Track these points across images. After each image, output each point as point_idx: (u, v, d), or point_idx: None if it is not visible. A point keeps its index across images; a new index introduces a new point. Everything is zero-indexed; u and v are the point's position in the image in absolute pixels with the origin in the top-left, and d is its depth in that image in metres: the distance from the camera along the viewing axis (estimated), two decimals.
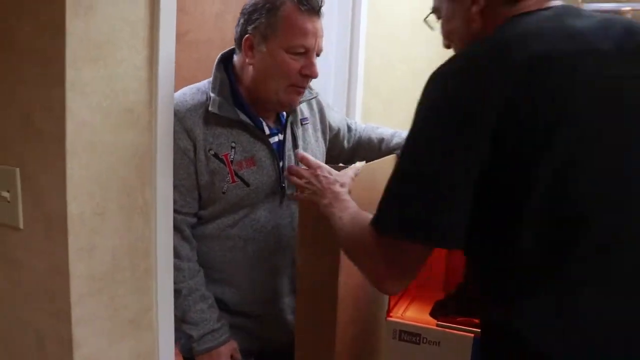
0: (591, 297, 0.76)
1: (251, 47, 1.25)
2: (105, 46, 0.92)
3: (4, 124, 0.95)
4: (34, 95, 0.91)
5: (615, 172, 0.77)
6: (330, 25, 2.03)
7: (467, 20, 0.90)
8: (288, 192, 1.34)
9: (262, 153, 1.30)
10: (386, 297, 1.35)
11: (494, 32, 0.84)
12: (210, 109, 1.24)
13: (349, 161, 1.60)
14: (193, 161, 1.25)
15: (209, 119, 1.26)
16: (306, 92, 1.36)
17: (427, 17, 1.01)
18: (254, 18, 1.24)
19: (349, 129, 1.59)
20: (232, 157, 1.27)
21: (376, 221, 0.85)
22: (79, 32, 0.87)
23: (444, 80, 0.80)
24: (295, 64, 1.24)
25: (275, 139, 1.34)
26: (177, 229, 1.23)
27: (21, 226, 0.97)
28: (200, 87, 1.32)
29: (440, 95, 0.80)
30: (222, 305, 1.35)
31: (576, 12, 0.85)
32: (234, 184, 1.27)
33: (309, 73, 1.25)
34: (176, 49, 1.05)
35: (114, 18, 0.93)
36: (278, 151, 1.34)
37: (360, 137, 1.59)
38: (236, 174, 1.27)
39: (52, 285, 0.95)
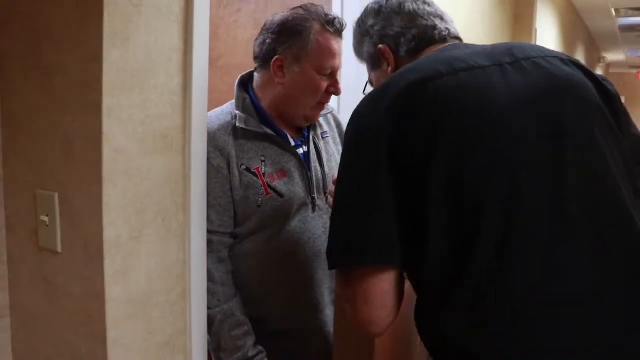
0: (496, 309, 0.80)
1: (281, 68, 1.30)
2: (141, 73, 0.94)
3: (46, 150, 0.98)
4: (74, 122, 0.93)
5: (500, 175, 0.82)
6: None
7: (385, 77, 1.05)
8: (318, 202, 1.37)
9: (291, 164, 1.33)
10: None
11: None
12: (237, 124, 1.29)
13: None
14: (228, 178, 1.27)
15: (237, 135, 1.30)
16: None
17: (364, 89, 1.18)
18: (283, 39, 1.28)
19: None
20: (263, 170, 1.30)
21: (328, 257, 0.90)
22: (116, 61, 0.90)
23: (355, 118, 0.92)
24: (324, 83, 1.31)
25: (301, 150, 1.38)
26: (213, 251, 1.24)
27: (59, 250, 0.99)
28: (224, 109, 1.36)
29: (353, 130, 0.92)
30: (261, 325, 1.33)
31: (464, 46, 1.01)
32: (268, 196, 1.29)
33: (334, 91, 1.34)
34: (209, 74, 1.07)
35: (149, 46, 0.95)
36: (306, 162, 1.37)
37: None
38: (269, 186, 1.29)
39: (88, 308, 0.96)
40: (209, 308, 1.19)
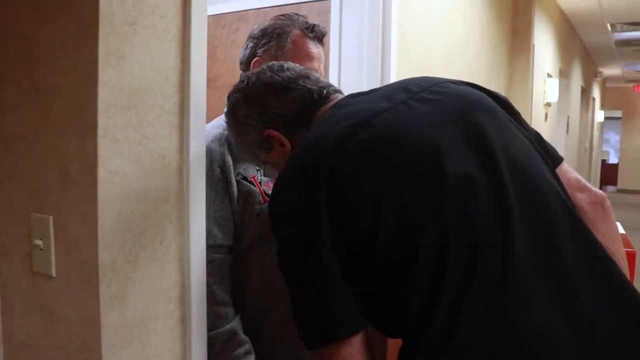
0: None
1: None
2: (137, 93, 0.93)
3: (42, 173, 0.96)
4: (69, 144, 0.91)
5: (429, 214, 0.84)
6: (359, 63, 2.03)
7: (284, 156, 1.05)
8: None
9: None
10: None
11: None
12: (229, 137, 1.29)
13: None
14: (226, 189, 1.27)
15: (231, 147, 1.30)
16: None
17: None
18: (263, 42, 1.32)
19: None
20: (259, 178, 1.30)
21: (301, 338, 0.90)
22: (111, 81, 0.88)
23: (281, 199, 0.91)
24: None
25: None
26: (216, 270, 1.22)
27: (54, 274, 0.96)
28: (214, 123, 1.36)
29: (284, 212, 0.90)
30: (266, 341, 1.31)
31: (354, 96, 1.02)
32: (265, 204, 1.28)
33: None
34: (208, 93, 1.06)
35: (146, 66, 0.94)
36: None
37: None
38: (266, 194, 1.29)
39: (83, 335, 0.93)
40: (214, 329, 1.17)
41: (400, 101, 0.93)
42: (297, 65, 1.08)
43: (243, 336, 1.27)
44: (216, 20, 2.78)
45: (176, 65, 0.99)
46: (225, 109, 1.17)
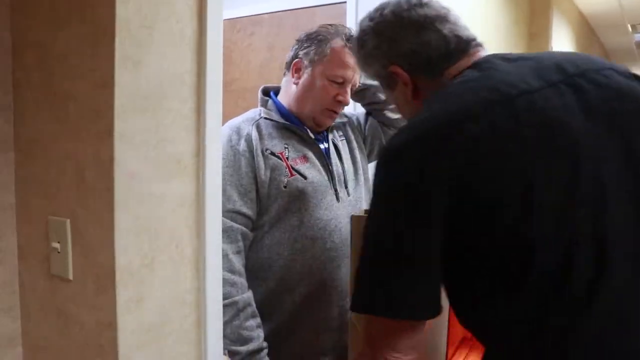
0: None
1: (298, 70, 1.43)
2: (153, 97, 0.93)
3: (59, 177, 0.97)
4: (86, 148, 0.92)
5: (565, 215, 0.76)
6: None
7: (406, 99, 1.00)
8: (341, 194, 1.43)
9: (311, 153, 1.43)
10: (444, 344, 1.28)
11: (429, 102, 0.89)
12: (262, 115, 1.42)
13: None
14: (251, 161, 1.35)
15: (261, 127, 1.41)
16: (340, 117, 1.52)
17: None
18: (305, 45, 1.42)
19: (365, 116, 1.66)
20: (287, 154, 1.39)
21: (355, 304, 0.86)
22: (128, 85, 0.88)
23: (398, 161, 0.82)
24: (333, 90, 1.40)
25: (322, 145, 1.47)
26: (232, 240, 1.29)
27: (71, 277, 0.97)
28: (248, 113, 1.48)
29: (395, 177, 0.82)
30: (281, 319, 1.37)
31: (500, 60, 0.89)
32: (292, 177, 1.37)
33: (342, 100, 1.42)
34: (223, 97, 1.06)
35: (162, 70, 0.94)
36: (327, 156, 1.45)
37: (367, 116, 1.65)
38: (293, 168, 1.37)
39: (100, 339, 0.93)
40: (229, 297, 1.24)
41: (550, 83, 0.81)
42: (439, 2, 0.99)
43: (255, 309, 1.34)
44: (231, 25, 2.80)
45: (192, 69, 1.00)
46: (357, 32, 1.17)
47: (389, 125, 1.58)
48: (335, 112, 1.45)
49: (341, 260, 1.40)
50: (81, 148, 0.93)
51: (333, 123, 1.48)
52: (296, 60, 1.43)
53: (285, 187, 1.36)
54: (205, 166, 1.03)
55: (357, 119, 1.64)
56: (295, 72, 1.43)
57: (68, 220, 0.96)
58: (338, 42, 1.39)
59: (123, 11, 0.87)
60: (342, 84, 1.40)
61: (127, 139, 0.89)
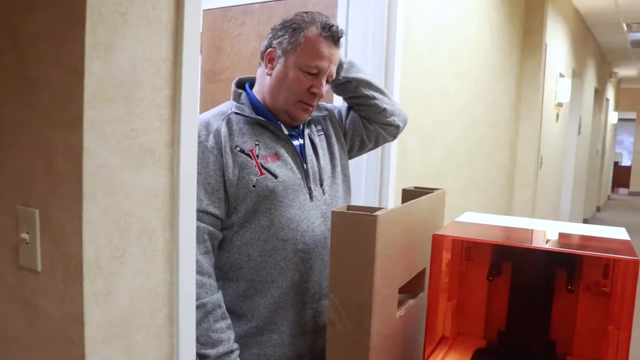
0: None
1: (272, 60, 1.37)
2: (125, 85, 0.90)
3: (29, 165, 0.94)
4: (56, 136, 0.89)
5: None
6: (364, 58, 2.00)
7: None
8: (315, 192, 1.38)
9: (283, 150, 1.36)
10: (421, 343, 1.27)
11: None
12: (233, 110, 1.35)
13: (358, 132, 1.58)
14: (218, 158, 1.29)
15: (232, 122, 1.34)
16: (316, 109, 1.46)
17: None
18: (280, 34, 1.35)
19: (346, 109, 1.60)
20: (257, 152, 1.32)
21: None
22: (98, 72, 0.86)
23: None
24: (306, 82, 1.34)
25: (296, 142, 1.41)
26: (200, 241, 1.24)
27: (39, 269, 0.94)
28: (220, 106, 1.41)
29: None
30: (253, 321, 1.33)
31: None
32: (262, 176, 1.31)
33: (316, 92, 1.35)
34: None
35: (135, 57, 0.91)
36: (301, 153, 1.39)
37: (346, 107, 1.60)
38: (263, 167, 1.31)
39: (67, 331, 0.91)
40: (197, 299, 1.17)
41: None
42: None
43: (225, 311, 1.29)
44: (222, 13, 2.76)
45: (168, 57, 0.97)
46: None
47: (371, 120, 1.53)
48: (310, 105, 1.38)
49: (314, 262, 1.35)
50: (51, 135, 0.90)
51: (309, 117, 1.42)
52: (270, 49, 1.37)
53: (254, 186, 1.30)
54: (180, 157, 1.00)
55: (339, 112, 1.57)
56: (269, 63, 1.37)
57: (37, 211, 0.93)
58: (313, 31, 1.33)
59: None
60: (317, 75, 1.34)
61: (97, 127, 0.87)
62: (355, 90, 1.49)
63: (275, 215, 1.31)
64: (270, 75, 1.37)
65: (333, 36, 1.34)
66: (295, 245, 1.32)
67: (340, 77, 1.44)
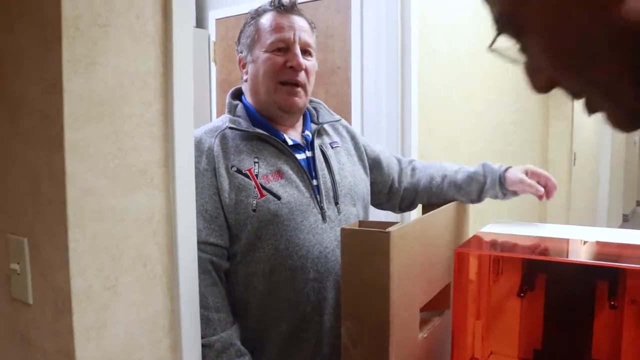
0: None
1: (244, 65, 1.29)
2: (110, 102, 0.84)
3: (16, 190, 0.89)
4: (39, 160, 0.83)
5: None
6: (378, 62, 1.91)
7: None
8: (328, 212, 1.22)
9: (287, 166, 1.22)
10: (448, 354, 1.17)
11: None
12: (227, 125, 1.23)
13: (409, 206, 1.46)
14: (213, 181, 1.17)
15: (227, 138, 1.22)
16: (326, 114, 1.36)
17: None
18: (240, 40, 1.30)
19: (399, 162, 1.46)
20: (256, 171, 1.19)
21: None
22: (78, 90, 0.79)
23: None
24: (278, 59, 1.23)
25: (303, 155, 1.27)
26: (205, 271, 1.11)
27: (31, 302, 0.89)
28: (216, 121, 1.31)
29: None
30: (263, 358, 1.20)
31: None
32: (262, 198, 1.16)
33: (293, 64, 1.22)
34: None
35: (120, 71, 0.85)
36: (308, 169, 1.25)
37: (419, 176, 1.44)
38: (263, 187, 1.17)
39: None
40: (203, 337, 1.06)
41: None
42: None
43: (242, 347, 1.15)
44: (236, 22, 2.71)
45: (157, 70, 0.90)
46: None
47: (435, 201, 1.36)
48: (296, 85, 1.23)
49: (328, 292, 1.20)
50: (35, 158, 0.84)
51: (300, 101, 1.25)
52: (239, 58, 1.31)
53: (254, 210, 1.15)
54: (176, 176, 0.93)
55: (376, 155, 1.42)
56: (243, 68, 1.29)
57: (26, 240, 0.88)
58: (265, 16, 1.26)
59: (71, 8, 0.78)
60: (287, 49, 1.23)
61: (80, 149, 0.80)
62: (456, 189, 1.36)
63: (281, 241, 1.17)
64: (247, 79, 1.28)
65: (284, 5, 1.26)
66: (306, 274, 1.18)
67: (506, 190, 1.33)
